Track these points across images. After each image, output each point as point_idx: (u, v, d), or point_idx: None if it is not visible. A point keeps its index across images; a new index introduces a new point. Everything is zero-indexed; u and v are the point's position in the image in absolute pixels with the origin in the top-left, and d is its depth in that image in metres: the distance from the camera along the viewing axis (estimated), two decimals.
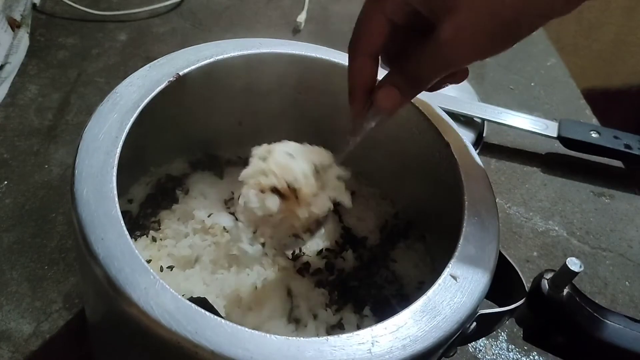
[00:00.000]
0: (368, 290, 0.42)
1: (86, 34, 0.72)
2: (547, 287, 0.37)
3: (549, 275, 0.37)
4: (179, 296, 0.28)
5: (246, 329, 0.27)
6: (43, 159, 0.58)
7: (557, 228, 0.58)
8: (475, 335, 0.35)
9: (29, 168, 0.56)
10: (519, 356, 0.49)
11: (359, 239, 0.46)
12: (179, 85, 0.39)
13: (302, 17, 0.77)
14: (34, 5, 0.73)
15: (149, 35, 0.73)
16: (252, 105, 0.46)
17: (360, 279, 0.43)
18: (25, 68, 0.66)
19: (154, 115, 0.38)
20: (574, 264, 0.35)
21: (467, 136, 0.63)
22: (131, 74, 0.39)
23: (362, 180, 0.49)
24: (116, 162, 0.33)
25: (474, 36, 0.29)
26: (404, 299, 0.42)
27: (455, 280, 0.32)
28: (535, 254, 0.56)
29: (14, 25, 0.67)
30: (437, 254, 0.45)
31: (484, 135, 0.65)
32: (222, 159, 0.49)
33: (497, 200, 0.60)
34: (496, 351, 0.49)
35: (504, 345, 0.49)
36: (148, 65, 0.40)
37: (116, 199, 0.31)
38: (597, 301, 0.52)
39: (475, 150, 0.64)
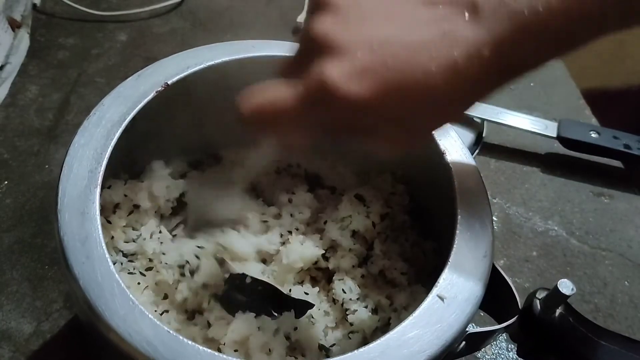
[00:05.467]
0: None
1: (86, 34, 0.72)
2: (539, 307, 0.36)
3: (541, 295, 0.36)
4: (158, 322, 0.28)
5: (223, 356, 0.27)
6: (43, 159, 0.58)
7: (556, 228, 0.59)
8: (465, 352, 0.35)
9: (29, 168, 0.57)
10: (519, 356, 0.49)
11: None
12: (171, 91, 0.39)
13: (302, 17, 0.77)
14: (34, 6, 0.73)
15: (149, 35, 0.73)
16: None
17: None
18: (26, 68, 0.66)
19: (147, 121, 0.38)
20: (565, 287, 0.34)
21: (466, 136, 0.63)
22: (131, 75, 0.39)
23: (362, 179, 0.49)
24: (100, 181, 0.33)
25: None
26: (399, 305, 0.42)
27: (443, 301, 0.31)
28: (534, 253, 0.56)
29: (15, 25, 0.67)
30: (439, 258, 0.44)
31: (483, 135, 0.65)
32: (223, 158, 0.49)
33: (496, 200, 0.60)
34: (496, 351, 0.49)
35: (504, 345, 0.49)
36: (136, 74, 0.39)
37: (99, 221, 0.31)
38: (596, 301, 0.53)
39: (475, 150, 0.64)
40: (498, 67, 0.27)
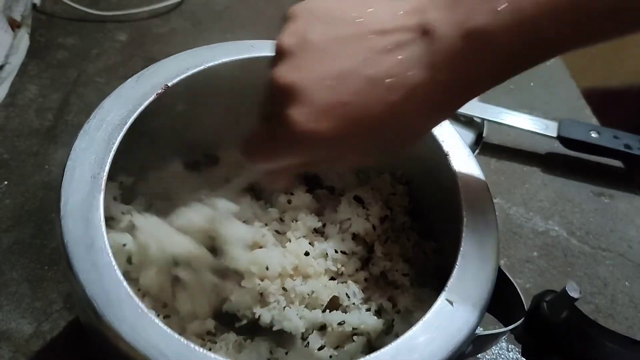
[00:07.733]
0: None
1: (86, 34, 0.71)
2: (546, 310, 0.36)
3: (548, 298, 0.36)
4: (168, 330, 0.28)
5: None
6: (43, 159, 0.57)
7: (557, 228, 0.59)
8: (470, 354, 0.35)
9: (28, 168, 0.56)
10: (519, 356, 0.49)
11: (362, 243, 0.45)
12: (171, 92, 0.39)
13: None
14: (34, 6, 0.73)
15: (149, 35, 0.73)
16: (247, 104, 0.45)
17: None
18: (25, 68, 0.66)
19: (147, 123, 0.37)
20: (573, 290, 0.34)
21: (467, 136, 0.63)
22: (131, 75, 0.39)
23: (362, 180, 0.49)
24: (103, 185, 0.32)
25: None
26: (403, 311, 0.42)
27: (452, 305, 0.31)
28: (535, 254, 0.56)
29: (14, 25, 0.67)
30: (440, 259, 0.44)
31: (483, 135, 0.65)
32: (220, 159, 0.49)
33: (497, 200, 0.60)
34: (496, 351, 0.49)
35: (504, 345, 0.49)
36: (136, 75, 0.39)
37: (104, 228, 0.31)
38: (596, 302, 0.53)
39: (475, 150, 0.64)
40: (455, 85, 0.27)
